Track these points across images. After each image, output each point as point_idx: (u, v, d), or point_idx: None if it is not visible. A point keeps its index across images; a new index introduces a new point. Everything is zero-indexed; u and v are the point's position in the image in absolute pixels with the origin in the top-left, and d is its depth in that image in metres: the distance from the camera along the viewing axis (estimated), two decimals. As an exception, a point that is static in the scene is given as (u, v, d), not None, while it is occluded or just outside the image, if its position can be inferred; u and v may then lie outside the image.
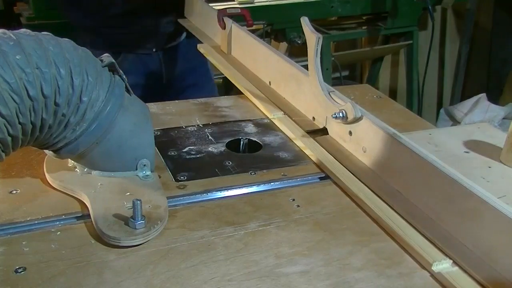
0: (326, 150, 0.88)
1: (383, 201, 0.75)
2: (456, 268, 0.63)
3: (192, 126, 0.99)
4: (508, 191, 0.77)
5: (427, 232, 0.68)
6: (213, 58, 1.27)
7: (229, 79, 1.18)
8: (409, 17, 2.39)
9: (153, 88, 1.55)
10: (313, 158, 0.87)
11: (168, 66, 1.59)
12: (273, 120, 1.01)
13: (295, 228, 0.71)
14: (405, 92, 2.67)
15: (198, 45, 1.37)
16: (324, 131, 0.94)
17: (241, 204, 0.76)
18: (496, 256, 0.62)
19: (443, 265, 0.63)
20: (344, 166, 0.83)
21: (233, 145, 0.93)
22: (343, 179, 0.80)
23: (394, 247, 0.68)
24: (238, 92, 1.13)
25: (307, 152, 0.89)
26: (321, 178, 0.83)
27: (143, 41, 1.51)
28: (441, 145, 0.92)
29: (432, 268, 0.63)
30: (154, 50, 1.54)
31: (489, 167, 0.86)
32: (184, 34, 1.58)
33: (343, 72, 2.44)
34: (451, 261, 0.64)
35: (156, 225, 0.67)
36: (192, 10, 1.52)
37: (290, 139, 0.95)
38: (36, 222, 0.69)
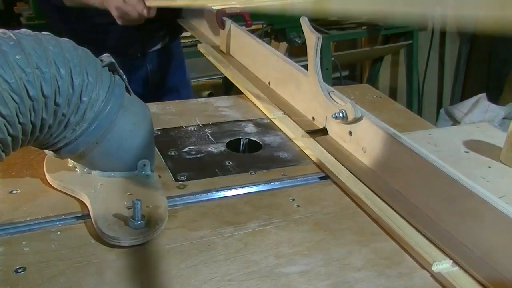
0: (326, 150, 0.88)
1: (383, 201, 0.75)
2: (456, 268, 0.63)
3: (192, 126, 0.99)
4: (508, 191, 0.77)
5: (427, 232, 0.68)
6: (213, 58, 1.27)
7: (230, 79, 1.18)
8: (409, 17, 2.39)
9: (139, 92, 1.54)
10: (313, 158, 0.87)
11: (153, 69, 1.58)
12: (273, 120, 1.01)
13: (295, 228, 0.71)
14: (405, 92, 2.68)
15: (198, 45, 1.37)
16: (324, 131, 0.94)
17: (241, 204, 0.76)
18: (497, 256, 0.62)
19: (443, 265, 0.63)
20: (344, 166, 0.83)
21: (233, 145, 0.93)
22: (343, 179, 0.80)
23: (394, 247, 0.68)
24: (238, 92, 1.13)
25: (307, 152, 0.89)
26: (321, 178, 0.83)
27: (127, 46, 1.50)
28: (441, 145, 0.92)
29: (432, 268, 0.63)
30: (138, 55, 1.53)
31: (489, 167, 0.86)
32: (167, 38, 1.57)
33: (343, 72, 2.44)
34: (451, 261, 0.64)
35: (156, 225, 0.67)
36: (190, 10, 1.52)
37: (290, 139, 0.95)
38: (36, 222, 0.69)
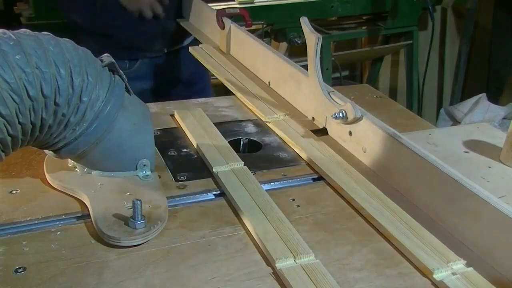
0: (324, 152, 0.87)
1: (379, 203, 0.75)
2: (457, 275, 0.61)
3: (192, 126, 0.98)
4: (508, 191, 0.77)
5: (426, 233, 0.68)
6: (211, 60, 1.27)
7: (224, 84, 1.16)
8: (409, 17, 2.39)
9: (164, 91, 1.59)
10: (308, 161, 0.87)
11: (178, 68, 1.62)
12: (267, 123, 0.99)
13: (295, 228, 0.70)
14: (405, 92, 2.67)
15: (200, 45, 1.37)
16: (324, 131, 0.94)
17: (241, 204, 0.76)
18: (497, 256, 0.62)
19: (443, 273, 0.62)
20: (342, 167, 0.83)
21: (233, 145, 0.93)
22: (338, 182, 0.79)
23: (394, 247, 0.68)
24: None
25: (302, 155, 0.88)
26: (318, 179, 0.83)
27: (152, 42, 1.53)
28: (441, 145, 0.92)
29: (433, 276, 0.62)
30: (165, 51, 1.57)
31: (489, 167, 0.86)
32: (191, 37, 1.58)
33: (343, 72, 2.43)
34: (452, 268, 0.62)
35: (156, 225, 0.67)
36: (190, 10, 1.52)
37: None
38: (36, 222, 0.69)
